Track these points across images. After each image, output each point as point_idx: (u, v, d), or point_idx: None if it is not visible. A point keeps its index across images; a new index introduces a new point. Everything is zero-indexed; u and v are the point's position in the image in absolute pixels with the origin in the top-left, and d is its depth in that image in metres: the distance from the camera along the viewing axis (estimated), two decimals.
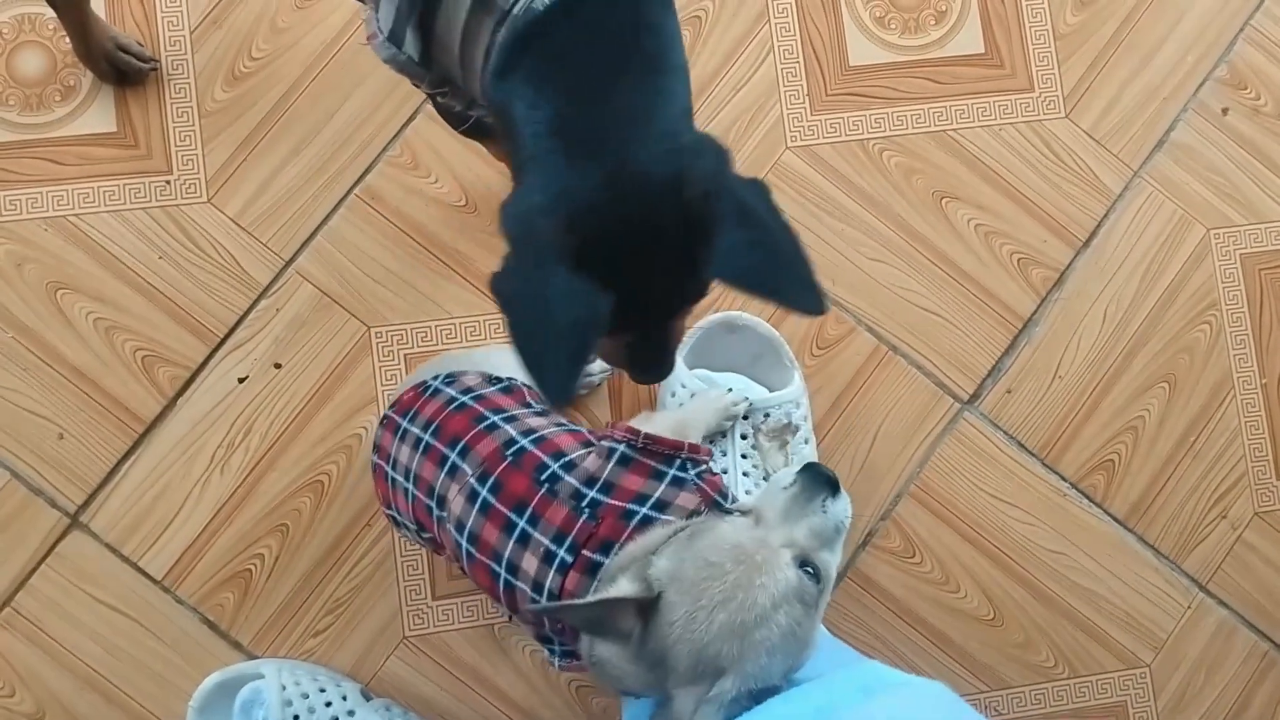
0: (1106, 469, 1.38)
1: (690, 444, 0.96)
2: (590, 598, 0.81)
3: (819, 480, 0.84)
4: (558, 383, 0.75)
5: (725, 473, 1.22)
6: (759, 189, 0.80)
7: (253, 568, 1.27)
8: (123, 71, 1.28)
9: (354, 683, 1.24)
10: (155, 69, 1.30)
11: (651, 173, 0.76)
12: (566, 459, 0.94)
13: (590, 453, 0.96)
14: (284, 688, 1.19)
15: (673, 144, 0.78)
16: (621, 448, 0.94)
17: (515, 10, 0.79)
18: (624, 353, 0.89)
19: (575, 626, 0.86)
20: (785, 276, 0.78)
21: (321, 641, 1.27)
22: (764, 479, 1.25)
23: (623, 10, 0.80)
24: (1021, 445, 1.37)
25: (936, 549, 1.34)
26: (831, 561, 0.82)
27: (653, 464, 0.94)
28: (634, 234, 0.76)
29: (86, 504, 1.26)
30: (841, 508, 0.84)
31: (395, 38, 0.86)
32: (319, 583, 1.27)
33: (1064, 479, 1.37)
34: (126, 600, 1.25)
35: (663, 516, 0.89)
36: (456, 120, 1.03)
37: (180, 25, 1.32)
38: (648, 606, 0.78)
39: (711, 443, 1.24)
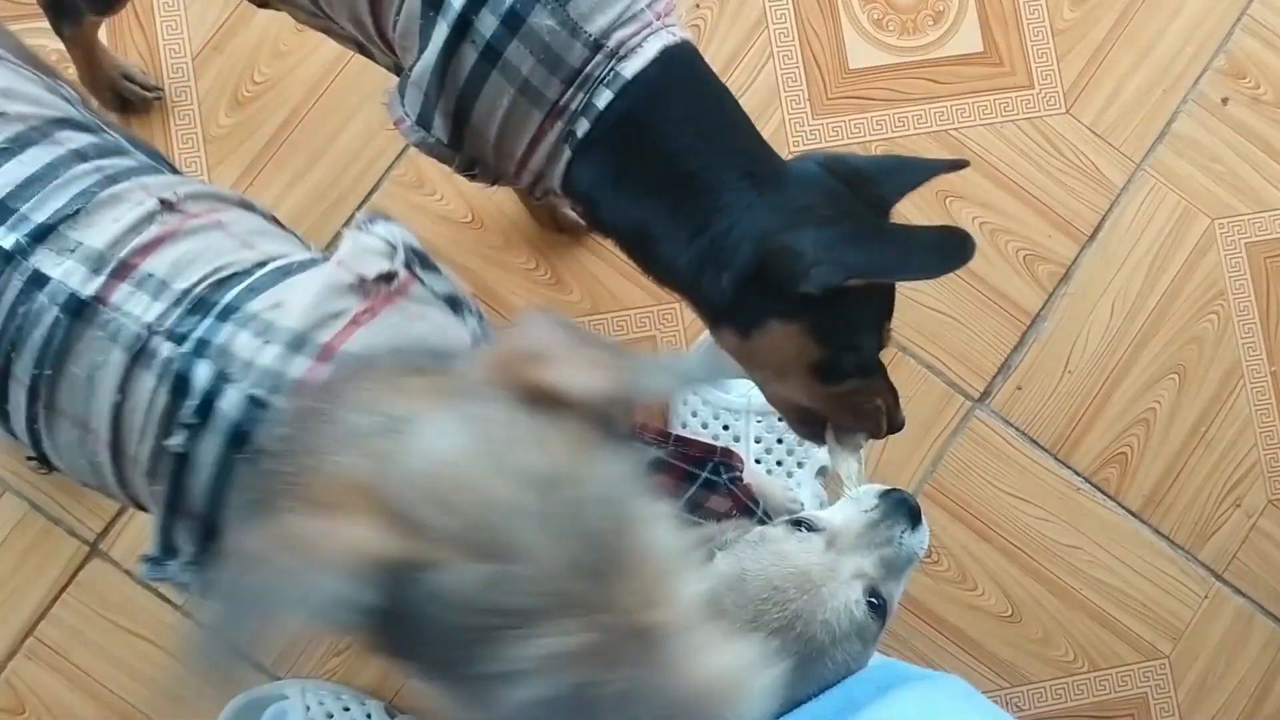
0: (1119, 462, 1.38)
1: (723, 448, 0.96)
2: None
3: (901, 508, 0.80)
4: (948, 236, 0.80)
5: None
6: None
7: None
8: (128, 100, 1.29)
9: (378, 700, 1.25)
10: (160, 97, 1.31)
11: (812, 171, 0.85)
12: None
13: None
14: (309, 708, 1.19)
15: (796, 157, 0.88)
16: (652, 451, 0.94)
17: (574, 106, 0.82)
18: (880, 388, 0.89)
19: None
20: (929, 165, 0.91)
21: (344, 660, 1.27)
22: (792, 476, 1.24)
23: (691, 80, 0.85)
24: (1034, 441, 1.38)
25: (953, 547, 1.35)
26: (897, 593, 0.79)
27: (684, 466, 0.94)
28: (847, 208, 0.83)
29: (105, 531, 1.27)
30: (919, 540, 0.80)
31: (424, 121, 0.87)
32: None
33: (1077, 473, 1.38)
34: (149, 625, 1.26)
35: (693, 518, 0.89)
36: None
37: (182, 52, 1.33)
38: None
39: (759, 463, 1.24)
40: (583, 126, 0.83)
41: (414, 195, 1.33)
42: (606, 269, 1.34)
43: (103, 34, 1.31)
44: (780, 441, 1.25)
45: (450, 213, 1.34)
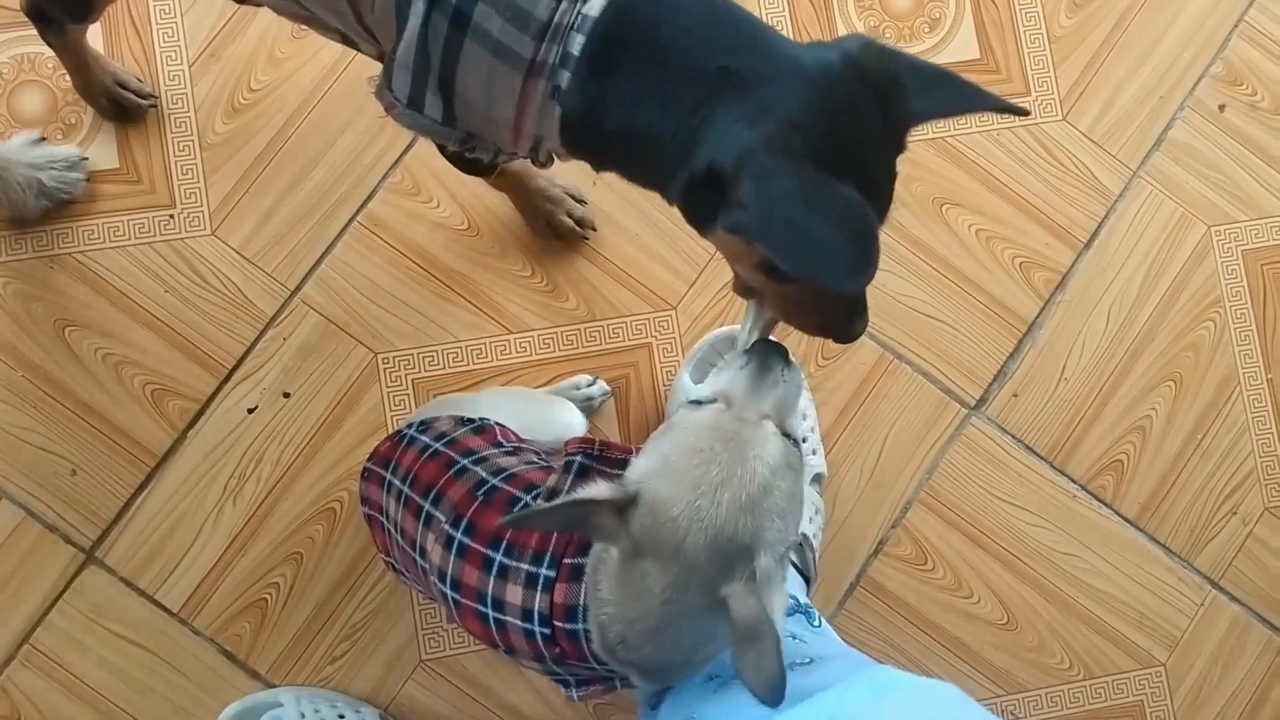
0: (1115, 469, 1.38)
1: (639, 446, 0.97)
2: (560, 500, 0.81)
3: (771, 353, 0.84)
4: (863, 255, 0.74)
5: None
6: (909, 54, 0.83)
7: (268, 597, 1.27)
8: (123, 108, 1.29)
9: (373, 708, 1.25)
10: (155, 105, 1.31)
11: (828, 65, 0.78)
12: (537, 491, 0.94)
13: (554, 476, 0.96)
14: (303, 715, 1.19)
15: (819, 46, 0.80)
16: (578, 459, 0.95)
17: (551, 60, 0.81)
18: (831, 300, 0.86)
19: (554, 529, 0.87)
20: (975, 94, 0.83)
21: (339, 668, 1.27)
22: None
23: None
24: (1029, 448, 1.37)
25: (948, 555, 1.35)
26: (796, 426, 0.84)
27: (609, 470, 0.94)
28: (842, 120, 0.77)
29: (101, 539, 1.27)
30: (796, 374, 0.85)
31: (415, 103, 0.86)
32: (334, 609, 1.28)
33: (1073, 481, 1.38)
34: (144, 633, 1.26)
35: None
36: (479, 169, 1.03)
37: (179, 59, 1.33)
38: (625, 507, 0.78)
39: None
40: (564, 78, 0.81)
41: (410, 202, 1.33)
42: (603, 276, 1.34)
43: (98, 42, 1.31)
44: None
45: (446, 220, 1.34)
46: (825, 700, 0.83)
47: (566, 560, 0.88)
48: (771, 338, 0.86)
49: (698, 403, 0.83)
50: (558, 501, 0.80)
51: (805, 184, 0.74)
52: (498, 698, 1.28)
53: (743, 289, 0.92)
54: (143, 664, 1.26)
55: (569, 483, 0.92)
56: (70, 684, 1.25)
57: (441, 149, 0.99)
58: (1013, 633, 1.35)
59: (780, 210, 0.74)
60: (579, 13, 0.80)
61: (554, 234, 1.32)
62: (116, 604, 1.26)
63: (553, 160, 0.93)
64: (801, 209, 0.74)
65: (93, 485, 1.27)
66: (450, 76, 0.84)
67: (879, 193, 0.80)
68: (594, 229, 1.33)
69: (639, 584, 0.79)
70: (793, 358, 0.86)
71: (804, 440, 1.27)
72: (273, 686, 1.26)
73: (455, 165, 1.05)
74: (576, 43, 0.80)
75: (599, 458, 0.95)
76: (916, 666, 1.33)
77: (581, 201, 1.33)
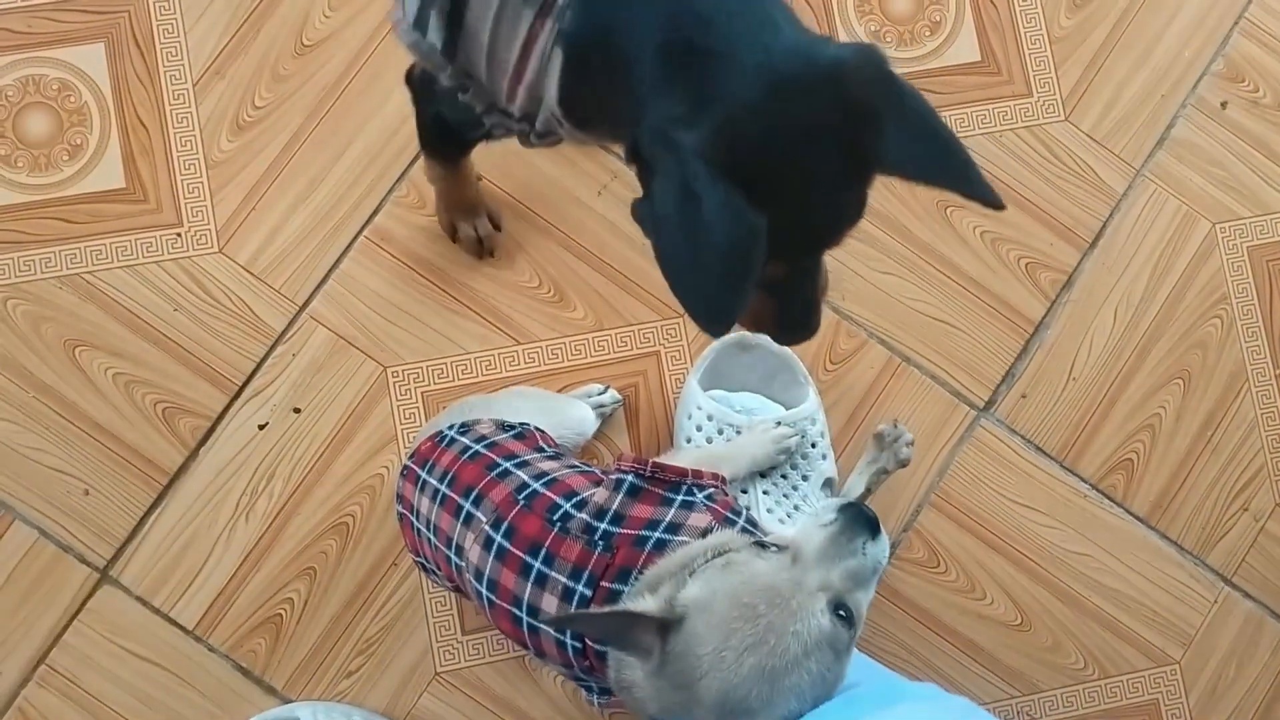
0: (1125, 468, 1.38)
1: (694, 470, 0.97)
2: (610, 608, 0.80)
3: (859, 520, 0.81)
4: (719, 307, 0.71)
5: (749, 508, 1.22)
6: (917, 92, 0.74)
7: (283, 612, 1.28)
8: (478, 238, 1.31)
9: None
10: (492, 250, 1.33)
11: (805, 68, 0.71)
12: (578, 498, 0.94)
13: (602, 491, 0.96)
14: None
15: (819, 44, 0.73)
16: (629, 478, 0.94)
17: (561, 1, 0.77)
18: (769, 303, 0.82)
19: (593, 638, 0.86)
20: (959, 167, 0.74)
21: (355, 682, 1.27)
22: (797, 489, 1.24)
23: None
24: (1039, 449, 1.38)
25: (961, 557, 1.35)
26: (865, 601, 0.81)
27: (661, 491, 0.94)
28: (793, 135, 0.70)
29: (115, 558, 1.27)
30: (881, 549, 0.82)
31: (420, 24, 0.83)
32: (349, 624, 1.28)
33: (1084, 480, 1.38)
34: (159, 651, 1.26)
35: (676, 538, 0.89)
36: (462, 130, 0.99)
37: (183, 78, 1.34)
38: (669, 626, 0.77)
39: (764, 476, 1.25)
40: (568, 19, 0.77)
41: (416, 216, 1.34)
42: (609, 285, 1.35)
43: (101, 56, 1.32)
44: (784, 456, 1.25)
45: None
46: (833, 707, 0.83)
47: (604, 584, 0.88)
48: (863, 505, 0.83)
49: (764, 545, 0.81)
50: (609, 610, 0.79)
51: (715, 204, 0.68)
52: (514, 708, 1.28)
53: None
54: (159, 682, 1.26)
55: (617, 501, 0.93)
56: (87, 703, 1.25)
57: (420, 116, 0.99)
58: (1026, 633, 1.35)
59: (674, 223, 0.70)
60: None
61: (452, 238, 1.31)
62: (132, 623, 1.26)
63: (548, 138, 0.88)
64: (694, 232, 0.69)
65: (106, 504, 1.27)
66: (462, 3, 0.81)
67: (810, 227, 0.75)
68: (492, 254, 1.32)
69: (654, 690, 0.80)
70: (884, 531, 0.82)
71: (814, 445, 1.28)
72: (289, 701, 1.27)
73: (427, 136, 1.05)
74: None
75: (651, 478, 0.95)
76: (932, 670, 1.33)
77: (498, 227, 1.31)
